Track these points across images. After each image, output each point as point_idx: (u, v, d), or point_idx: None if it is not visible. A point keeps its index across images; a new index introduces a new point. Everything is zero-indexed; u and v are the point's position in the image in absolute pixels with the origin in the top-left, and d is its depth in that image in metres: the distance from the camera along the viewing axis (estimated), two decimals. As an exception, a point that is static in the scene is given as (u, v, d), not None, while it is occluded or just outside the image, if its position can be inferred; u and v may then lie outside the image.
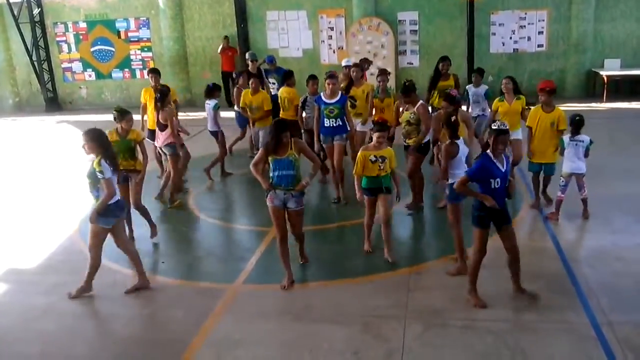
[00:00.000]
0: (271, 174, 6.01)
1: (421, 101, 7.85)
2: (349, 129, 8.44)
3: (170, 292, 6.15)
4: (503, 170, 5.23)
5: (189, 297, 6.03)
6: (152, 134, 9.26)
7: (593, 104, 15.03)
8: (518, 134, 8.29)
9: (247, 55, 12.84)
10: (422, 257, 6.74)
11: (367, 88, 9.10)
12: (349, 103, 8.67)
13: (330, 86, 8.18)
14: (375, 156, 6.38)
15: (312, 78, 9.32)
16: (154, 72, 10.01)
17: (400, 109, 8.07)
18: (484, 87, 9.91)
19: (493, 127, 5.27)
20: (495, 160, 5.22)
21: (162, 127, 8.41)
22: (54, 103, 19.05)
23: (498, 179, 5.19)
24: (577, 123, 7.23)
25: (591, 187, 7.43)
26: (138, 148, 7.25)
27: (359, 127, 8.98)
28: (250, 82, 9.89)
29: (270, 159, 5.98)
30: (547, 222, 7.34)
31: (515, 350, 4.83)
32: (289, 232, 6.19)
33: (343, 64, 10.20)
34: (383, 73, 8.99)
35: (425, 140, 7.85)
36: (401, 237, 7.39)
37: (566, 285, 5.82)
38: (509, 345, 4.89)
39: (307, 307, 5.67)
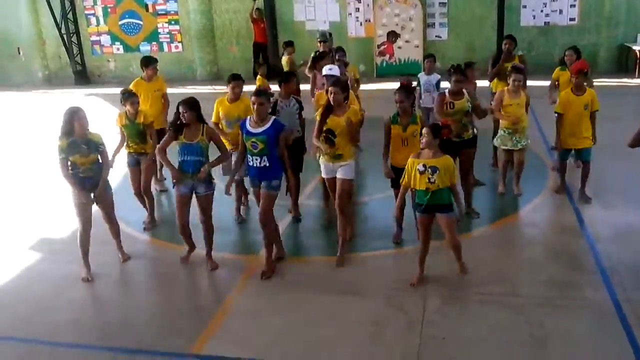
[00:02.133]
0: (178, 159, 5.89)
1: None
2: (281, 173, 5.91)
3: (195, 263, 6.28)
4: None
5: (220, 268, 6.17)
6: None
7: (625, 79, 14.72)
8: None
9: (317, 35, 10.35)
10: (441, 233, 6.74)
11: (354, 115, 5.87)
12: (323, 136, 5.90)
13: (256, 106, 5.68)
14: (424, 165, 5.23)
15: (290, 76, 7.20)
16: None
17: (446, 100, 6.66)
18: (436, 76, 9.07)
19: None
20: None
21: None
22: (83, 76, 19.28)
23: None
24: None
25: (616, 162, 7.35)
26: (148, 131, 7.05)
27: (326, 173, 6.13)
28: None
29: (178, 143, 5.85)
30: (571, 199, 7.28)
31: (534, 324, 4.88)
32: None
33: (324, 72, 7.10)
34: (402, 90, 5.94)
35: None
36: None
37: (588, 263, 5.82)
38: (527, 319, 4.95)
39: (329, 279, 5.76)
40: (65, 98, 16.47)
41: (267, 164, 5.69)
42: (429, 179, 5.20)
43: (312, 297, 5.52)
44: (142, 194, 7.21)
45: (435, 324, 4.97)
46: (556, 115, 7.17)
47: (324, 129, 5.81)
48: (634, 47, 15.40)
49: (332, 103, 5.80)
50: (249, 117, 5.85)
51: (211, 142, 5.93)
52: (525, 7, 16.53)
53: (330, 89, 5.83)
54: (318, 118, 5.90)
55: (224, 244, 6.67)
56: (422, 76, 9.22)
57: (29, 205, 8.33)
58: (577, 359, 4.45)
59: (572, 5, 16.33)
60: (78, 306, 5.68)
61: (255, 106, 5.68)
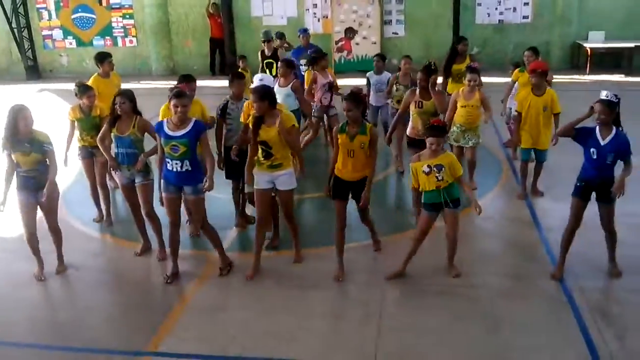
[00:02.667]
0: (115, 151, 5.99)
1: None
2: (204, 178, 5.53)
3: (154, 259, 6.21)
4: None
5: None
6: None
7: (576, 76, 15.12)
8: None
9: (261, 35, 10.55)
10: (401, 226, 6.82)
11: (287, 121, 5.53)
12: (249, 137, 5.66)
13: (179, 109, 5.35)
14: (428, 166, 5.29)
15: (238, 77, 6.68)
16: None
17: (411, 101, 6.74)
18: (386, 75, 8.95)
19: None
20: None
21: None
22: (35, 71, 18.76)
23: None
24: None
25: (566, 156, 7.53)
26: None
27: (262, 184, 5.68)
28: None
29: (112, 135, 5.91)
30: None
31: (489, 313, 5.01)
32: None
33: (254, 82, 6.39)
34: (350, 98, 5.41)
35: None
36: (380, 204, 7.44)
37: (541, 254, 5.98)
38: (483, 309, 5.07)
39: (288, 273, 5.76)
40: (16, 94, 16.03)
41: (189, 168, 5.46)
42: (437, 177, 5.25)
43: (272, 292, 5.52)
44: (100, 189, 7.08)
45: (393, 315, 5.05)
46: (515, 113, 7.30)
47: (258, 141, 5.50)
48: (585, 45, 15.82)
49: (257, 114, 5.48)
50: (165, 119, 5.54)
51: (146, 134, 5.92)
52: (480, 5, 16.84)
53: (252, 101, 5.48)
54: (250, 124, 5.57)
55: (182, 240, 6.59)
56: (372, 76, 9.05)
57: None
58: (530, 346, 4.56)
59: (526, 4, 16.70)
60: (31, 305, 5.54)
61: (178, 109, 5.34)
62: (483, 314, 5.01)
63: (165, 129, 5.43)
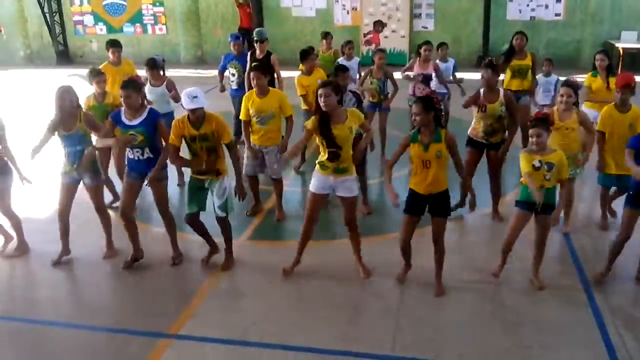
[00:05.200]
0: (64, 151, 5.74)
1: (500, 88, 6.46)
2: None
3: (181, 245, 6.26)
4: None
5: (196, 250, 6.17)
6: None
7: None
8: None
9: (254, 35, 9.29)
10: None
11: (357, 120, 5.24)
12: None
13: (124, 99, 5.43)
14: (540, 161, 4.91)
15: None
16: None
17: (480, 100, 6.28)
18: (356, 60, 9.28)
19: None
20: None
21: None
22: (65, 56, 19.08)
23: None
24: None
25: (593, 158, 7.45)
26: None
27: (321, 189, 5.39)
28: (252, 76, 6.52)
29: (59, 134, 5.67)
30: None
31: (508, 310, 5.03)
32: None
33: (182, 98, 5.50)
34: (419, 102, 4.92)
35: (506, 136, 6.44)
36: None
37: (562, 253, 5.94)
38: (502, 306, 5.09)
39: (308, 264, 5.80)
40: (47, 78, 16.29)
41: (151, 155, 5.52)
42: (545, 176, 4.91)
43: (293, 281, 5.56)
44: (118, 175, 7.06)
45: (412, 309, 5.06)
46: (598, 133, 6.12)
47: (326, 141, 5.12)
48: (618, 44, 15.57)
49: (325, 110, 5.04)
50: (122, 109, 5.57)
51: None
52: (511, 1, 16.64)
53: (320, 91, 5.02)
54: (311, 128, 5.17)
55: (208, 227, 6.68)
56: (342, 61, 9.06)
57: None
58: (548, 345, 4.54)
59: (558, 1, 16.47)
60: (57, 285, 5.68)
61: (123, 99, 5.41)
62: (502, 311, 5.02)
63: (123, 118, 5.49)
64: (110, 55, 8.30)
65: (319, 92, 5.00)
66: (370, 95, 8.58)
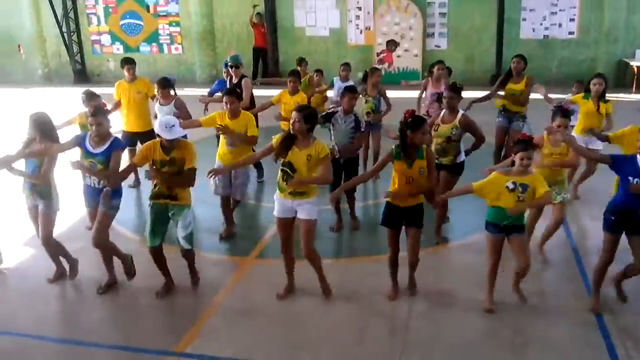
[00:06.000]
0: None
1: (461, 111, 6.43)
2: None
3: (184, 265, 6.29)
4: None
5: (205, 268, 6.19)
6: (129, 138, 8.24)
7: (622, 95, 14.79)
8: (598, 145, 7.02)
9: (229, 60, 8.86)
10: (431, 240, 6.79)
11: (323, 150, 5.12)
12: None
13: (94, 127, 5.36)
14: (514, 182, 4.89)
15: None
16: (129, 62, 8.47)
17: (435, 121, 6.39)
18: (350, 83, 9.04)
19: None
20: None
21: None
22: (82, 75, 19.37)
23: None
24: None
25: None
26: None
27: (282, 212, 5.34)
28: (225, 100, 6.50)
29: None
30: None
31: (516, 330, 4.98)
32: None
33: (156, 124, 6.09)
34: (410, 123, 5.02)
35: (461, 159, 6.44)
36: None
37: (572, 273, 5.88)
38: (509, 326, 5.03)
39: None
40: (64, 96, 16.53)
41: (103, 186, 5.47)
42: (518, 197, 4.87)
43: (300, 300, 5.56)
44: None
45: (419, 330, 5.03)
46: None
47: (282, 161, 5.15)
48: (632, 63, 15.51)
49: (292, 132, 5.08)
50: (88, 133, 5.51)
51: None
52: (525, 19, 16.66)
53: (294, 119, 5.05)
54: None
55: (214, 245, 6.72)
56: (337, 82, 9.53)
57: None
58: (557, 368, 4.50)
59: (572, 19, 16.46)
60: (66, 302, 5.72)
61: (94, 127, 5.35)
62: (511, 332, 4.96)
63: (87, 143, 5.45)
64: (125, 73, 8.44)
65: (292, 114, 5.08)
66: (365, 114, 8.48)
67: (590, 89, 7.33)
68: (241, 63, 8.71)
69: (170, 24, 18.68)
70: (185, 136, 5.72)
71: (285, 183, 5.10)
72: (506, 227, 4.99)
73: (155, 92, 8.02)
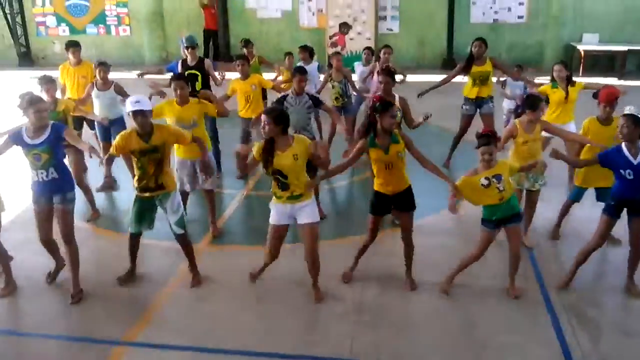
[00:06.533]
0: None
1: (396, 95, 6.42)
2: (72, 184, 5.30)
3: (141, 251, 6.10)
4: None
5: (156, 256, 6.10)
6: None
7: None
8: (571, 128, 7.15)
9: (184, 41, 8.54)
10: (386, 221, 6.81)
11: (302, 142, 4.92)
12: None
13: (34, 115, 4.98)
14: (486, 178, 4.90)
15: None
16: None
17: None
18: (314, 63, 9.43)
19: None
20: None
21: None
22: (27, 58, 18.70)
23: None
24: None
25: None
26: (69, 120, 6.79)
27: (279, 220, 5.08)
28: (174, 85, 6.23)
29: None
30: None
31: (465, 311, 5.07)
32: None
33: (127, 107, 5.13)
34: (381, 109, 4.94)
35: None
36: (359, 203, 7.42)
37: (522, 256, 5.98)
38: (461, 308, 5.11)
39: (269, 268, 5.75)
40: (8, 80, 15.94)
41: (56, 176, 5.11)
42: (498, 189, 4.87)
43: (250, 286, 5.52)
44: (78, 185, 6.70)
45: (370, 312, 5.06)
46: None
47: (270, 170, 4.88)
48: (579, 47, 15.86)
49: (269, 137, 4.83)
50: (23, 127, 5.12)
51: None
52: (474, 3, 16.87)
53: (264, 122, 4.78)
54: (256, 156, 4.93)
55: (163, 232, 6.59)
56: (358, 66, 9.44)
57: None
58: (505, 345, 4.58)
59: (521, 4, 16.74)
60: (17, 294, 5.53)
61: (34, 115, 4.96)
62: (460, 312, 5.05)
63: (25, 137, 5.03)
64: (70, 56, 8.23)
65: (262, 117, 4.85)
66: (334, 99, 8.62)
67: (555, 78, 7.33)
68: (197, 44, 8.40)
69: (117, 5, 18.17)
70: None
71: (280, 190, 4.90)
72: (500, 220, 5.01)
73: (96, 75, 7.65)
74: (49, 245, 5.48)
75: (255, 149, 4.94)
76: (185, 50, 8.21)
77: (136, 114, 4.97)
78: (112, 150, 5.31)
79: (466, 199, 5.03)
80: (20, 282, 5.60)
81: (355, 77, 9.29)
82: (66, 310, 5.25)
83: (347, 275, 5.56)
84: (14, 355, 4.69)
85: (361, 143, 5.08)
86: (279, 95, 6.80)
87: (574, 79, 7.34)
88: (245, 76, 7.85)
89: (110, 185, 8.03)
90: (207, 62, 8.29)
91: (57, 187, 5.15)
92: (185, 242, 5.54)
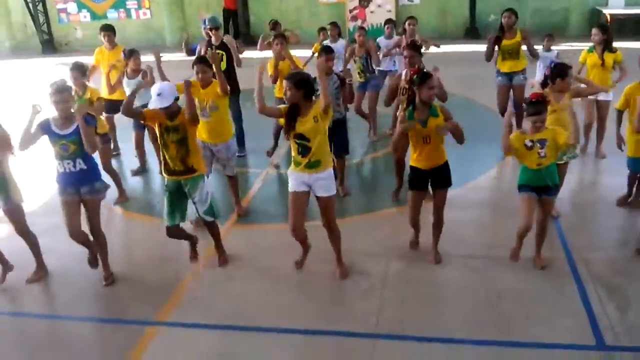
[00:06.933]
0: None
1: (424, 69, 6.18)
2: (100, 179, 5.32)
3: (164, 231, 6.26)
4: None
5: (176, 242, 6.15)
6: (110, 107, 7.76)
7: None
8: (609, 96, 7.20)
9: (206, 22, 8.23)
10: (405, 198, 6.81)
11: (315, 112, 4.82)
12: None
13: (60, 105, 5.03)
14: (531, 140, 4.84)
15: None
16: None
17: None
18: (342, 42, 9.19)
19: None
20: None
21: None
22: (50, 45, 18.91)
23: None
24: None
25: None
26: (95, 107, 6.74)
27: (297, 186, 5.06)
28: (197, 69, 6.11)
29: None
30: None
31: (491, 284, 5.06)
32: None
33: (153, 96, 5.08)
34: (420, 79, 4.97)
35: None
36: (383, 178, 7.44)
37: (550, 228, 5.95)
38: (486, 280, 5.11)
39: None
40: (33, 68, 16.15)
41: (84, 167, 5.11)
42: (539, 153, 4.81)
43: (277, 264, 5.58)
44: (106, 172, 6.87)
45: (396, 287, 5.10)
46: (617, 112, 6.07)
47: (293, 135, 4.86)
48: (605, 11, 15.48)
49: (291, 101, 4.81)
50: (51, 117, 5.11)
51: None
52: (497, -30, 16.49)
53: (286, 88, 4.80)
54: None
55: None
56: (382, 41, 9.26)
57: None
58: (531, 317, 4.57)
59: (544, -31, 16.33)
60: (47, 278, 5.67)
61: (58, 105, 5.00)
62: (487, 285, 5.04)
63: (53, 127, 5.05)
64: (104, 40, 8.33)
65: (284, 83, 4.86)
66: (357, 74, 8.53)
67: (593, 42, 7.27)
68: (220, 24, 8.29)
69: (137, -12, 18.25)
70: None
71: (300, 156, 4.86)
72: (535, 188, 4.93)
73: (129, 64, 7.61)
74: (79, 237, 5.37)
75: (283, 107, 4.91)
76: (209, 32, 8.05)
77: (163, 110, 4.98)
78: (143, 116, 5.22)
79: (512, 150, 4.91)
80: (51, 268, 5.73)
81: (380, 53, 9.19)
82: (97, 293, 5.39)
83: (414, 241, 5.62)
84: (48, 338, 4.82)
85: (401, 117, 5.03)
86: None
87: (616, 46, 7.18)
88: (282, 57, 7.64)
89: (142, 169, 8.21)
90: (227, 37, 8.20)
91: (85, 178, 5.16)
92: (213, 229, 5.56)
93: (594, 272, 5.07)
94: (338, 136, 6.58)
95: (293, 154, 4.98)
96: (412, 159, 5.18)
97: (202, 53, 7.63)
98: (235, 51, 8.00)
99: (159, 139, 5.23)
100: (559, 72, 5.62)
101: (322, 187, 4.97)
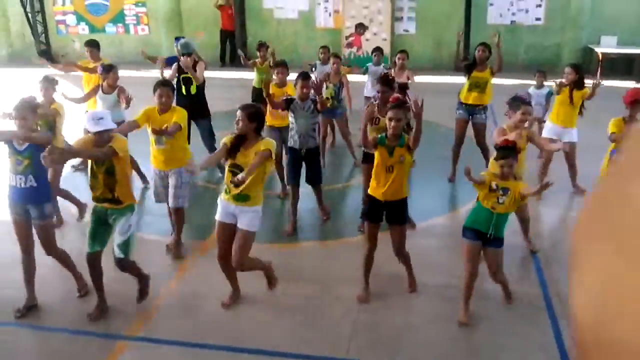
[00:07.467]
0: None
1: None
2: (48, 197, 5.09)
3: (145, 247, 6.21)
4: None
5: (157, 252, 6.18)
6: None
7: (587, 81, 14.92)
8: (573, 136, 7.31)
9: (179, 47, 8.13)
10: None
11: (266, 144, 4.82)
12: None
13: (19, 122, 4.88)
14: (497, 185, 4.70)
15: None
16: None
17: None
18: (329, 67, 8.90)
19: None
20: None
21: None
22: (47, 56, 18.93)
23: None
24: None
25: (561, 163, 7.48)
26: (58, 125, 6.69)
27: (223, 216, 5.00)
28: (160, 92, 5.92)
29: None
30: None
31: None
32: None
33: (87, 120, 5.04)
34: (398, 107, 4.95)
35: None
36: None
37: (525, 258, 5.98)
38: (457, 308, 5.06)
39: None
40: (29, 77, 16.16)
41: (35, 184, 4.89)
42: (497, 199, 4.66)
43: (253, 285, 5.54)
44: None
45: (370, 313, 5.08)
46: (611, 135, 6.03)
47: (231, 164, 4.80)
48: (597, 49, 15.69)
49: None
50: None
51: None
52: (492, 5, 16.75)
53: (239, 118, 4.78)
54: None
55: (164, 228, 6.64)
56: (371, 67, 9.27)
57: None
58: (502, 346, 4.59)
59: (538, 5, 16.59)
60: (16, 285, 5.62)
61: (18, 121, 4.84)
62: (457, 314, 5.01)
63: (13, 141, 4.87)
64: (87, 54, 8.57)
65: (237, 113, 4.81)
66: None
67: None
68: (193, 50, 8.02)
69: (136, 4, 18.34)
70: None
71: (233, 185, 4.66)
72: (482, 235, 4.73)
73: (106, 79, 7.49)
74: (32, 262, 5.17)
75: (227, 138, 4.87)
76: (182, 58, 7.86)
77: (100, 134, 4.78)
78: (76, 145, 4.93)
79: (478, 179, 4.77)
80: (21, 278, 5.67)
81: (366, 78, 9.33)
82: (69, 305, 5.35)
83: (362, 297, 5.24)
84: (16, 349, 4.78)
85: (373, 139, 4.96)
86: (286, 97, 6.68)
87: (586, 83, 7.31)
88: (283, 84, 7.62)
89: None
90: (183, 60, 7.81)
91: (32, 197, 4.94)
92: (122, 267, 5.04)
93: (567, 308, 5.05)
94: (312, 167, 6.51)
95: (225, 181, 4.89)
96: (371, 187, 5.03)
97: (170, 77, 7.60)
98: (192, 71, 7.76)
99: (89, 169, 4.95)
100: (511, 104, 5.68)
101: (245, 220, 4.83)
